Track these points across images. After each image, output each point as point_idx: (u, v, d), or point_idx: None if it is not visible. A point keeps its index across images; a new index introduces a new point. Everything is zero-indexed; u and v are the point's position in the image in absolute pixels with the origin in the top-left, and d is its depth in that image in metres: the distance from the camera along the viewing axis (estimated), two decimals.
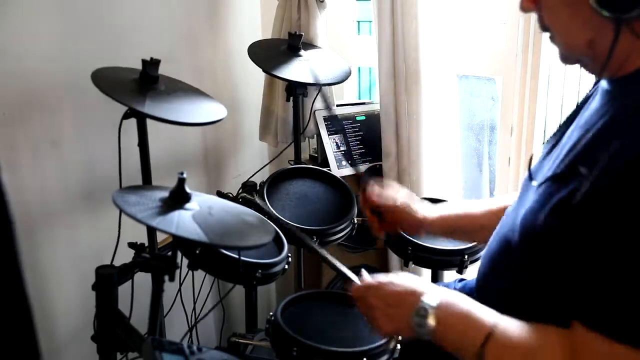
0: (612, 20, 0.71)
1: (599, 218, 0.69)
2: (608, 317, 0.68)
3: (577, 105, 0.91)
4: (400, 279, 0.90)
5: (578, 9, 0.73)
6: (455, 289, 1.23)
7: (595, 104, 0.84)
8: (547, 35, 0.83)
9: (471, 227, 1.18)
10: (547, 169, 0.85)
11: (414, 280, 0.90)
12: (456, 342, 0.82)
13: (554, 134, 0.92)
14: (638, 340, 0.66)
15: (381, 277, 0.92)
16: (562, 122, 0.92)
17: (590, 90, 0.92)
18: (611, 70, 0.78)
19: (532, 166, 0.95)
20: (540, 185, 0.84)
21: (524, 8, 0.81)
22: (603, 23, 0.73)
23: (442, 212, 1.19)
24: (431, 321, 0.82)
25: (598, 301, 0.69)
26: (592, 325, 0.70)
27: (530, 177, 0.89)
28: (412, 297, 0.85)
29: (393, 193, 1.21)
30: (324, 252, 1.03)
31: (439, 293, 0.85)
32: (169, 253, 1.01)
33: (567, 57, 0.82)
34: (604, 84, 0.83)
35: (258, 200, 1.33)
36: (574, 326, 0.73)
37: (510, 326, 0.79)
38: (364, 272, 0.97)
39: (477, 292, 0.99)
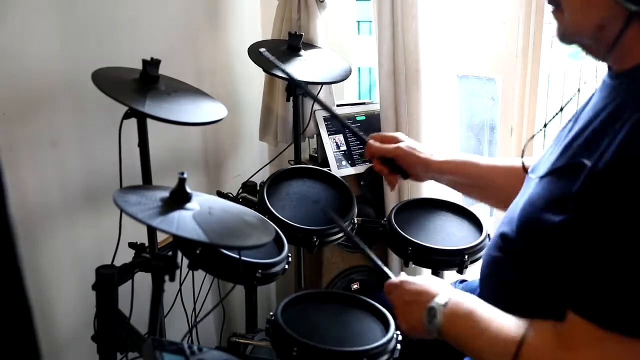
0: (628, 10, 0.71)
1: (595, 205, 0.70)
2: (599, 305, 0.69)
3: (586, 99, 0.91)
4: (421, 279, 0.95)
5: None
6: None
7: (595, 99, 0.84)
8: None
9: (475, 175, 1.21)
10: (548, 164, 0.85)
11: (432, 280, 0.94)
12: (459, 339, 0.85)
13: (562, 129, 0.93)
14: (627, 327, 0.67)
15: (405, 277, 0.98)
16: (570, 119, 0.92)
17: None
18: (612, 58, 0.78)
19: (535, 162, 0.95)
20: (542, 178, 0.84)
21: None
22: (616, 10, 0.73)
23: (447, 156, 1.23)
24: (439, 320, 0.86)
25: (590, 289, 0.70)
26: (583, 312, 0.71)
27: (525, 170, 0.90)
28: (425, 296, 0.90)
29: (395, 137, 1.26)
30: (365, 247, 1.11)
31: (450, 293, 0.89)
32: (169, 253, 1.01)
33: (568, 36, 0.81)
34: (605, 78, 0.83)
35: None
36: (567, 314, 0.74)
37: (507, 319, 0.81)
38: (402, 274, 1.01)
39: (480, 288, 1.00)
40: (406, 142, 1.24)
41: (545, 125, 0.97)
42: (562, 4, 0.79)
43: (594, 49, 0.80)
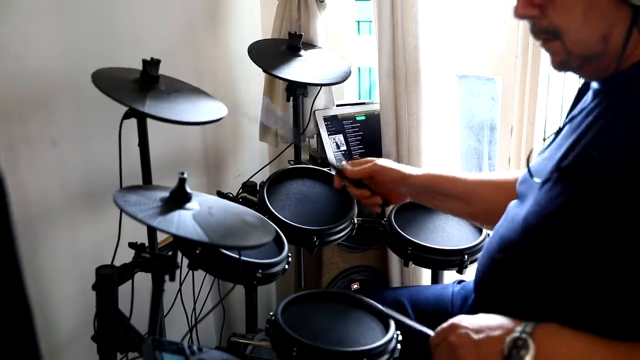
0: (632, 8, 0.71)
1: (631, 209, 0.68)
2: None
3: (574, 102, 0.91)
4: (479, 316, 0.86)
5: (595, 1, 0.73)
6: (454, 290, 1.24)
7: (587, 104, 0.84)
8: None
9: (457, 187, 1.16)
10: (549, 167, 0.84)
11: (491, 316, 0.84)
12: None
13: (554, 133, 0.92)
14: None
15: (460, 317, 0.86)
16: (561, 124, 0.92)
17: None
18: (618, 65, 0.77)
19: (531, 165, 0.94)
20: (544, 182, 0.83)
21: (521, 14, 0.78)
22: (618, 15, 0.72)
23: (428, 171, 1.19)
24: (532, 349, 0.75)
25: None
26: None
27: (531, 174, 0.89)
28: (502, 325, 0.80)
29: (366, 160, 1.22)
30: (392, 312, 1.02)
31: (530, 322, 0.79)
32: (169, 253, 1.01)
33: (573, 59, 0.79)
34: (594, 84, 0.83)
35: None
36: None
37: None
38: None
39: (476, 292, 0.99)
40: (379, 160, 1.22)
41: (544, 139, 0.96)
42: (559, 30, 0.77)
43: (600, 64, 0.78)
